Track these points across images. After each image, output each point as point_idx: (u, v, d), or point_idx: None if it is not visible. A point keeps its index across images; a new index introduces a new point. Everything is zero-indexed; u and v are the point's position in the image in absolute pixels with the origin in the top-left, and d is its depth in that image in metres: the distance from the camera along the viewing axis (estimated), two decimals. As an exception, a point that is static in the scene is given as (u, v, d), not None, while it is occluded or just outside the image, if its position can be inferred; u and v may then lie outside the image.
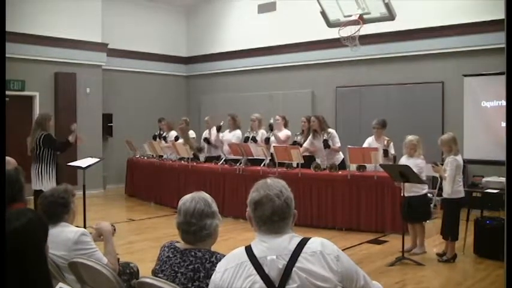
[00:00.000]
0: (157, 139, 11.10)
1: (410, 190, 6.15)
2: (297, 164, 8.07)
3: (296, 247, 2.01)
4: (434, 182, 7.77)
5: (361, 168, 7.69)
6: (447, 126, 9.52)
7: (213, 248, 2.53)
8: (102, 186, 12.28)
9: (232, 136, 9.50)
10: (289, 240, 2.05)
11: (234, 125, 9.61)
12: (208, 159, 9.94)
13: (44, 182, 6.64)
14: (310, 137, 8.38)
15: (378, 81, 10.69)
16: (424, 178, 6.15)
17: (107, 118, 12.60)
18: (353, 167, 7.82)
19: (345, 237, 7.27)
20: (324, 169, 8.02)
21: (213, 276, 2.13)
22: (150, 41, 13.62)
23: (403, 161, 6.28)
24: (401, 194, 6.15)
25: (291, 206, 2.11)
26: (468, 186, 8.31)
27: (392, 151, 7.53)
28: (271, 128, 8.95)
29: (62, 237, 3.04)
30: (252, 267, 2.00)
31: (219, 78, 13.91)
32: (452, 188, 5.92)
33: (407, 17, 9.47)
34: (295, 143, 8.65)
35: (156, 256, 2.60)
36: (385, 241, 7.05)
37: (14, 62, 10.01)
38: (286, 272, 1.96)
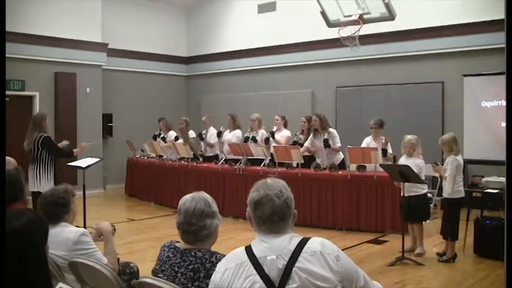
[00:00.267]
0: (157, 139, 11.09)
1: (410, 190, 6.15)
2: (297, 164, 8.07)
3: (296, 247, 2.01)
4: (434, 182, 7.77)
5: (361, 168, 7.69)
6: (447, 126, 9.52)
7: (213, 248, 2.53)
8: (102, 186, 12.29)
9: (232, 136, 9.50)
10: (289, 240, 2.05)
11: (234, 125, 9.62)
12: (205, 159, 9.95)
13: (42, 183, 6.59)
14: (311, 136, 8.38)
15: (378, 81, 10.69)
16: (423, 178, 6.15)
17: (107, 118, 12.60)
18: (353, 167, 7.82)
19: (345, 237, 7.28)
20: (324, 169, 8.02)
21: (213, 276, 2.13)
22: (150, 41, 13.62)
23: (403, 160, 6.28)
24: (401, 194, 6.15)
25: (291, 206, 2.11)
26: (468, 186, 8.31)
27: (390, 150, 7.54)
28: (272, 135, 8.90)
29: (62, 237, 3.04)
30: (252, 267, 2.00)
31: (219, 78, 13.91)
32: (453, 188, 5.92)
33: (407, 17, 9.47)
34: (295, 143, 8.65)
35: (156, 256, 2.60)
36: (385, 241, 7.05)
37: (14, 62, 10.02)
38: (286, 272, 1.96)
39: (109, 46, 12.14)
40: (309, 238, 2.07)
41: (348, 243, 6.82)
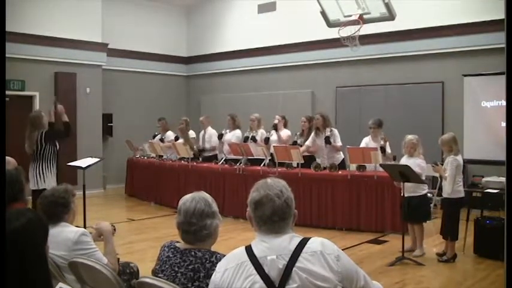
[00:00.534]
0: (154, 139, 11.05)
1: (411, 190, 6.15)
2: (297, 163, 8.07)
3: (296, 247, 2.01)
4: (434, 182, 7.77)
5: (361, 168, 7.69)
6: (447, 126, 9.52)
7: (213, 248, 2.53)
8: (102, 186, 12.29)
9: (232, 136, 9.51)
10: (289, 240, 2.05)
11: (234, 125, 9.62)
12: (205, 159, 9.95)
13: (47, 180, 6.56)
14: (312, 134, 8.37)
15: (378, 81, 10.69)
16: (424, 178, 6.15)
17: (107, 118, 12.60)
18: (353, 166, 7.82)
19: (345, 237, 7.28)
20: (324, 169, 8.02)
21: (213, 276, 2.13)
22: (150, 41, 13.62)
23: (404, 161, 6.27)
24: (401, 194, 6.15)
25: (291, 206, 2.11)
26: (468, 186, 8.31)
27: (389, 150, 7.55)
28: (275, 128, 8.90)
29: (62, 237, 3.04)
30: (252, 267, 2.00)
31: (219, 78, 13.91)
32: (452, 187, 5.92)
33: (407, 17, 9.47)
34: (295, 143, 8.65)
35: (156, 256, 2.60)
36: (385, 241, 7.05)
37: (14, 61, 10.02)
38: (286, 272, 1.96)
39: (109, 46, 12.15)
40: (309, 238, 2.07)
41: (348, 243, 6.82)
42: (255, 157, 8.77)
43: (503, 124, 7.33)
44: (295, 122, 9.19)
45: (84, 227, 5.57)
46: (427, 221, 6.46)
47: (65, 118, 7.02)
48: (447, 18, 9.62)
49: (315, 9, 9.43)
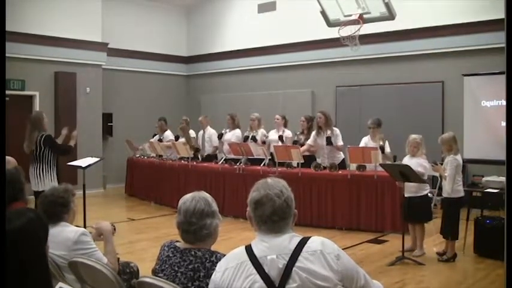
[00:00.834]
0: (153, 139, 11.04)
1: (412, 190, 6.14)
2: (297, 163, 8.07)
3: (296, 246, 2.01)
4: (434, 182, 7.77)
5: (361, 167, 7.69)
6: (447, 126, 9.52)
7: (213, 248, 2.53)
8: (102, 186, 12.29)
9: (232, 135, 9.51)
10: (289, 239, 2.05)
11: (233, 124, 9.62)
12: (205, 159, 9.95)
13: (46, 182, 6.55)
14: (313, 133, 8.37)
15: (378, 80, 10.69)
16: (426, 178, 6.15)
17: (107, 118, 12.60)
18: (353, 166, 7.82)
19: (345, 236, 7.28)
20: (324, 168, 8.02)
21: (213, 276, 2.13)
22: (150, 40, 13.62)
23: (406, 160, 6.24)
24: (402, 194, 6.15)
25: (291, 206, 2.11)
26: (468, 185, 8.31)
27: (388, 149, 7.55)
28: (281, 139, 8.83)
29: (62, 236, 3.04)
30: (252, 267, 2.00)
31: (219, 77, 13.91)
32: (452, 187, 5.92)
33: (407, 17, 9.47)
34: (296, 142, 8.64)
35: (156, 256, 2.60)
36: (385, 241, 7.05)
37: (14, 61, 10.02)
38: (286, 272, 1.96)
39: (109, 46, 12.14)
40: (309, 237, 2.07)
41: (348, 243, 6.82)
42: (255, 157, 8.77)
43: (503, 124, 7.32)
44: (295, 121, 9.19)
45: (84, 226, 5.58)
46: (428, 222, 6.45)
47: (72, 143, 7.04)
48: (447, 18, 9.62)
49: (315, 8, 9.42)
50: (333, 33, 9.19)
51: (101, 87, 12.14)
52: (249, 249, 2.06)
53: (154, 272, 2.54)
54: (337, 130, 8.29)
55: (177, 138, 10.56)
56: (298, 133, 8.88)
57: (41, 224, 1.93)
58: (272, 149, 8.66)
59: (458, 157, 6.02)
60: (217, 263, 2.22)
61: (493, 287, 5.11)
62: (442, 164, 6.16)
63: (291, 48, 12.03)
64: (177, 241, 2.56)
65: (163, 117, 11.11)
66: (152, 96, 13.65)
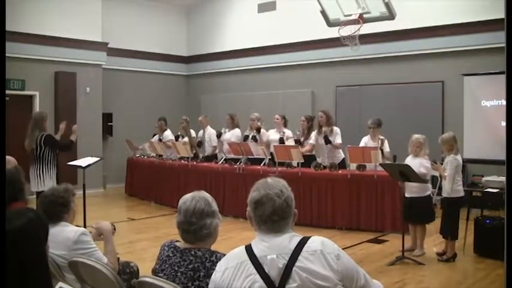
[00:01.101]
0: (153, 139, 11.04)
1: (414, 191, 6.14)
2: (297, 163, 8.07)
3: (296, 246, 2.01)
4: (434, 181, 7.77)
5: (361, 167, 7.69)
6: (447, 126, 9.52)
7: (213, 247, 2.53)
8: (102, 186, 12.28)
9: (231, 135, 9.50)
10: (289, 239, 2.05)
11: (233, 124, 9.62)
12: (205, 158, 9.95)
13: (46, 182, 6.56)
14: (315, 133, 8.36)
15: (378, 80, 10.69)
16: (428, 178, 6.14)
17: (107, 117, 12.60)
18: (353, 166, 7.82)
19: (345, 236, 7.28)
20: (324, 168, 8.02)
21: (213, 276, 2.13)
22: (150, 40, 13.62)
23: (409, 160, 6.22)
24: (403, 194, 6.15)
25: (291, 206, 2.11)
26: (468, 185, 8.31)
27: (387, 149, 7.56)
28: (281, 141, 8.84)
29: (62, 236, 3.04)
30: (252, 267, 2.00)
31: (219, 77, 13.91)
32: (452, 187, 5.92)
33: (407, 17, 9.47)
34: (297, 141, 8.63)
35: (156, 255, 2.60)
36: (385, 240, 7.05)
37: (14, 61, 10.02)
38: (286, 272, 1.96)
39: (109, 45, 12.14)
40: (309, 237, 2.07)
41: (348, 243, 6.82)
42: (255, 156, 8.77)
43: (503, 123, 7.33)
44: (295, 121, 9.18)
45: (84, 226, 5.58)
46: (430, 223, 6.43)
47: (74, 138, 7.04)
48: (447, 18, 9.61)
49: (315, 8, 9.42)
50: (333, 33, 9.18)
51: (101, 87, 12.14)
52: (249, 249, 2.06)
53: (154, 272, 2.54)
54: (337, 129, 8.28)
55: (177, 138, 10.56)
56: (298, 133, 8.87)
57: (41, 224, 1.93)
58: (272, 149, 8.65)
59: (458, 157, 6.02)
60: (217, 262, 2.22)
61: (493, 287, 5.11)
62: (442, 164, 6.16)
63: (291, 48, 12.03)
64: (177, 241, 2.56)
65: (163, 117, 11.10)
66: (152, 96, 13.65)
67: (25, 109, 10.63)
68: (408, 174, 5.84)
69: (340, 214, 7.72)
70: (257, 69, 12.88)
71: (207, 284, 2.21)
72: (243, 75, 13.27)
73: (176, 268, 2.42)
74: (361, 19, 8.69)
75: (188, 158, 9.75)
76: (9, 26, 7.56)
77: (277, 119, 9.06)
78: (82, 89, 11.67)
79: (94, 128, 11.81)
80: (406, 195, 6.19)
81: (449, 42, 9.67)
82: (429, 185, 6.27)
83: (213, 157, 9.85)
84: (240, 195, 8.31)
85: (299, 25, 11.64)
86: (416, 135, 6.31)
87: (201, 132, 10.40)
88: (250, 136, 9.19)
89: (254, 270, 1.99)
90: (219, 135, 9.79)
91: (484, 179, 7.22)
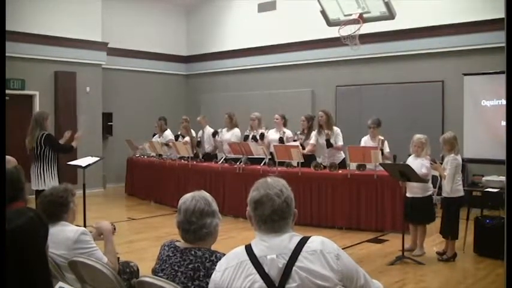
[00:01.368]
0: (153, 138, 11.04)
1: (416, 191, 6.13)
2: (297, 163, 8.07)
3: (296, 246, 2.01)
4: (434, 181, 7.77)
5: (361, 167, 7.69)
6: (447, 125, 9.53)
7: (213, 247, 2.53)
8: (102, 186, 12.28)
9: (231, 135, 9.50)
10: (289, 239, 2.05)
11: (231, 123, 9.60)
12: (205, 158, 9.96)
13: (47, 181, 6.56)
14: (315, 132, 8.35)
15: (378, 80, 10.69)
16: (430, 178, 6.13)
17: (107, 117, 12.60)
18: (353, 166, 7.82)
19: (345, 236, 7.28)
20: (324, 168, 8.02)
21: (213, 275, 2.13)
22: (150, 40, 13.62)
23: (411, 161, 6.21)
24: (404, 194, 6.14)
25: (291, 205, 2.11)
26: (468, 185, 8.32)
27: (387, 149, 7.55)
28: (281, 141, 8.83)
29: (62, 236, 3.04)
30: (252, 267, 2.00)
31: (219, 77, 13.91)
32: (452, 187, 5.92)
33: (407, 16, 9.47)
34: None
35: (156, 255, 2.60)
36: (385, 240, 7.06)
37: (14, 61, 10.02)
38: (286, 271, 1.96)
39: (109, 45, 12.14)
40: (309, 237, 2.06)
41: (347, 242, 6.82)
42: (255, 156, 8.77)
43: (503, 123, 7.33)
44: (295, 121, 9.18)
45: (84, 226, 5.58)
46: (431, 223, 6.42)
47: (75, 144, 7.05)
48: (447, 17, 9.62)
49: (315, 8, 9.41)
50: (333, 32, 9.17)
51: (101, 86, 12.14)
52: (249, 249, 2.06)
53: (154, 272, 2.53)
54: (337, 130, 8.28)
55: (176, 138, 10.56)
56: (298, 133, 8.87)
57: (41, 224, 1.92)
58: (272, 149, 8.65)
59: (458, 157, 6.02)
60: (217, 262, 2.22)
61: (493, 287, 5.10)
62: (441, 164, 6.16)
63: (291, 48, 12.03)
64: (177, 241, 2.56)
65: (163, 116, 11.10)
66: (152, 96, 13.65)
67: (25, 109, 10.64)
68: (408, 174, 5.84)
69: (340, 214, 7.72)
70: (257, 69, 12.88)
71: (207, 283, 2.21)
72: (243, 75, 13.27)
73: (176, 268, 2.42)
74: (361, 19, 8.69)
75: (188, 157, 9.75)
76: (10, 26, 7.56)
77: (277, 119, 9.05)
78: (82, 88, 11.67)
79: (94, 127, 11.80)
80: (407, 195, 6.19)
81: (449, 42, 9.67)
82: (430, 185, 6.27)
83: (213, 157, 9.85)
84: (240, 195, 8.30)
85: (299, 25, 11.64)
86: (418, 135, 6.30)
87: (200, 132, 10.41)
88: (251, 136, 9.19)
89: (254, 270, 1.99)
90: (214, 134, 9.79)
91: (484, 178, 7.22)
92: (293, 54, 12.06)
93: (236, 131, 9.55)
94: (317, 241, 2.04)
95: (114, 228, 3.50)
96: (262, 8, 12.71)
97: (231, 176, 8.89)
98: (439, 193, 6.73)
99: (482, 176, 7.96)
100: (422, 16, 9.84)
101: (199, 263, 2.39)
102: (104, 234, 3.37)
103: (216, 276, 2.10)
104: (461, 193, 6.02)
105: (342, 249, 2.10)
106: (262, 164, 8.64)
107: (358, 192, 7.61)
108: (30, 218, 1.87)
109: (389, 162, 7.48)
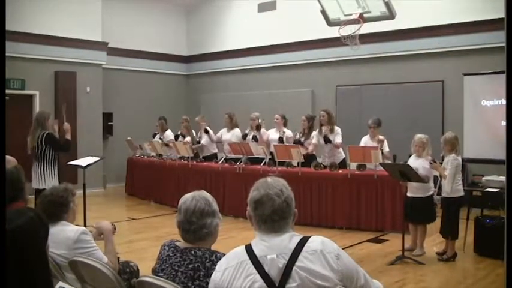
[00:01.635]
0: (154, 139, 11.04)
1: (416, 191, 6.13)
2: (297, 162, 8.07)
3: (296, 246, 2.01)
4: (434, 181, 7.77)
5: (361, 167, 7.69)
6: (447, 125, 9.53)
7: (213, 247, 2.53)
8: (102, 185, 12.29)
9: (231, 135, 9.49)
10: (289, 239, 2.05)
11: (231, 123, 9.60)
12: (205, 158, 9.96)
13: (47, 180, 6.57)
14: (316, 132, 8.35)
15: (378, 80, 10.69)
16: (432, 178, 6.13)
17: (107, 117, 12.60)
18: (353, 165, 7.82)
19: (345, 236, 7.28)
20: (324, 167, 8.02)
21: (213, 275, 2.13)
22: (150, 39, 13.62)
23: (412, 161, 6.20)
24: (404, 193, 6.14)
25: (291, 205, 2.11)
26: (468, 185, 8.32)
27: (387, 149, 7.55)
28: (281, 141, 8.84)
29: (62, 236, 3.05)
30: (252, 266, 2.00)
31: (219, 77, 13.91)
32: (452, 187, 5.92)
33: (407, 16, 9.46)
34: (298, 141, 8.62)
35: (156, 255, 2.60)
36: (385, 240, 7.06)
37: (14, 60, 10.02)
38: (286, 271, 1.96)
39: (109, 45, 12.14)
40: (309, 237, 2.07)
41: (348, 242, 6.82)
42: (255, 156, 8.77)
43: (503, 123, 7.33)
44: (295, 121, 9.18)
45: (85, 226, 5.57)
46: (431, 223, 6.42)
47: (68, 136, 7.04)
48: (447, 17, 9.62)
49: (315, 8, 9.41)
50: (333, 32, 9.17)
51: (101, 86, 12.14)
52: (249, 249, 2.06)
53: (155, 272, 2.54)
54: (338, 129, 8.28)
55: (176, 137, 10.56)
56: (298, 134, 8.87)
57: (41, 224, 1.92)
58: (272, 149, 8.65)
59: (459, 157, 6.02)
60: (217, 262, 2.22)
61: (493, 287, 5.10)
62: (441, 164, 6.16)
63: (291, 48, 12.03)
64: (177, 240, 2.56)
65: (164, 116, 11.10)
66: (152, 96, 13.65)
67: (25, 109, 10.64)
68: (408, 174, 5.84)
69: (340, 214, 7.72)
70: (257, 68, 12.88)
71: (207, 283, 2.21)
72: (243, 75, 13.27)
73: (176, 268, 2.42)
74: (361, 19, 8.68)
75: (188, 157, 9.75)
76: (10, 26, 7.57)
77: (277, 119, 9.05)
78: (82, 88, 11.67)
79: (94, 127, 11.81)
80: (408, 194, 6.19)
81: (449, 41, 9.67)
82: (431, 185, 6.26)
83: (213, 157, 9.84)
84: (240, 195, 8.30)
85: (299, 25, 11.64)
86: (419, 135, 6.29)
87: (200, 133, 10.39)
88: (251, 136, 9.19)
89: (254, 270, 1.99)
90: (206, 131, 9.79)
91: (484, 178, 7.22)
92: (293, 54, 12.06)
93: (236, 131, 9.54)
94: (317, 241, 2.04)
95: (114, 228, 3.50)
96: (262, 8, 12.71)
97: (231, 176, 8.89)
98: (439, 193, 6.73)
99: (482, 176, 7.96)
100: (422, 16, 9.84)
101: (199, 263, 2.39)
102: (104, 234, 3.37)
103: (216, 276, 2.10)
104: (462, 193, 6.02)
105: (342, 249, 2.10)
106: (262, 164, 8.64)
107: (358, 192, 7.61)
108: (30, 218, 1.87)
109: (389, 162, 7.48)
